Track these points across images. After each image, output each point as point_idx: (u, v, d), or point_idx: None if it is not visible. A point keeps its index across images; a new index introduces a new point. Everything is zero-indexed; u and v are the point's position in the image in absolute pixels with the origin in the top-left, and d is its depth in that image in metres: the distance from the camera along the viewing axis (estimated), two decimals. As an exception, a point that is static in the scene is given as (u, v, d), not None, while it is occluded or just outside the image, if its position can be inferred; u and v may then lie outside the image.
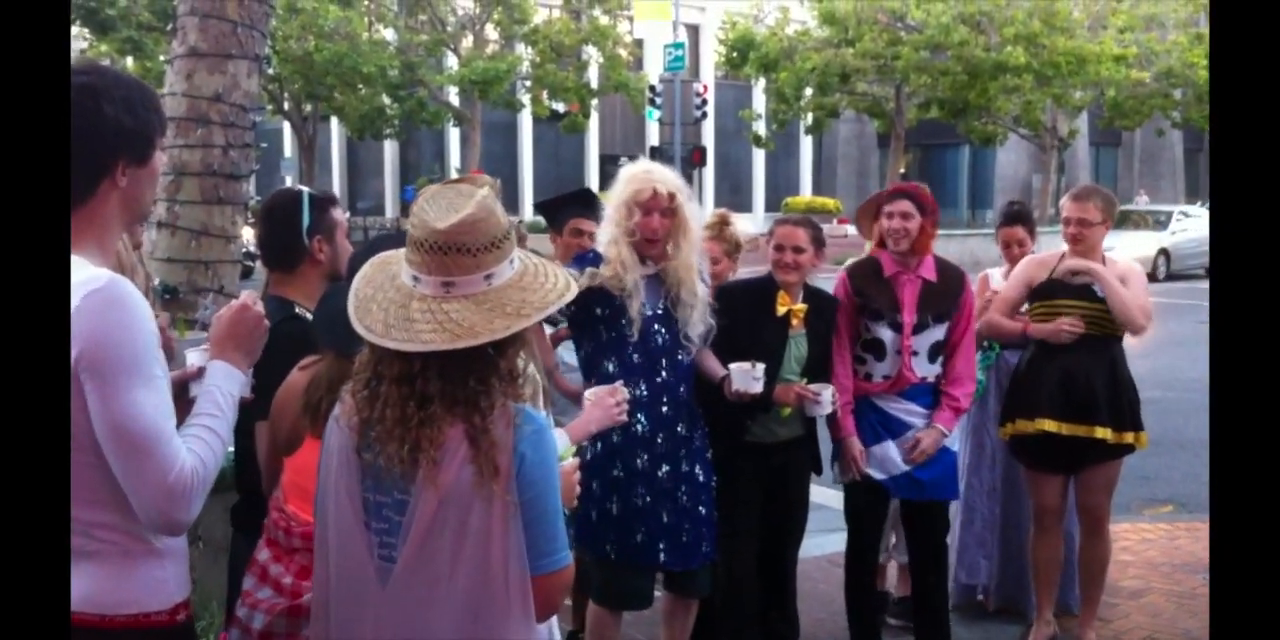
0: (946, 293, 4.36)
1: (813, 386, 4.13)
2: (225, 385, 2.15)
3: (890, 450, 4.34)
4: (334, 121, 34.57)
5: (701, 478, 3.96)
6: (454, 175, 3.52)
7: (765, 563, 4.30)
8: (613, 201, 3.87)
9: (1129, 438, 4.57)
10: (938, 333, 4.34)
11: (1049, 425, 4.53)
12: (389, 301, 2.09)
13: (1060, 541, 4.79)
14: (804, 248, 4.18)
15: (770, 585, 4.35)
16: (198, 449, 1.99)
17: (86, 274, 1.92)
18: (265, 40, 4.09)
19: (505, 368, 2.08)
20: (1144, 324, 4.55)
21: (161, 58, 23.53)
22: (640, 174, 3.88)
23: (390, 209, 37.28)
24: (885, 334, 4.32)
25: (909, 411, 4.34)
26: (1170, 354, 12.00)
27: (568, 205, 4.63)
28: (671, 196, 3.81)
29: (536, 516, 2.05)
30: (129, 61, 27.78)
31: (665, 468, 3.87)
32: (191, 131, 3.90)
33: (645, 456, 3.84)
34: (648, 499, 3.84)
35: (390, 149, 38.03)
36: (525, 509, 2.04)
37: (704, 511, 3.94)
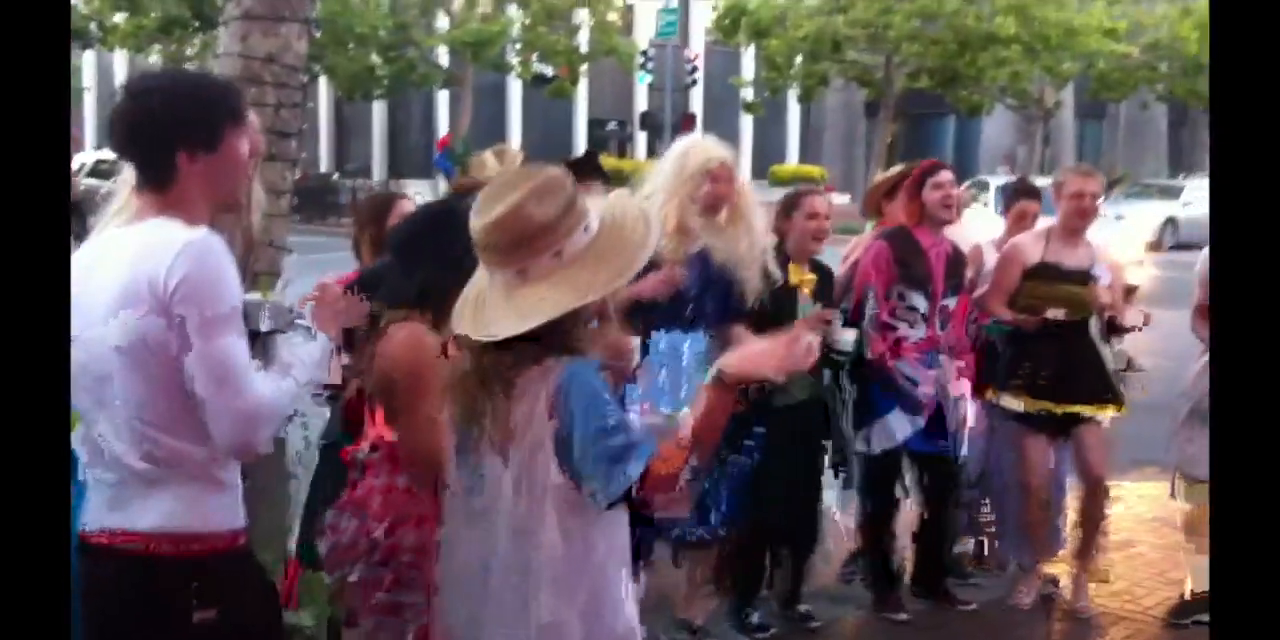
0: (962, 265, 4.66)
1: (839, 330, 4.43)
2: (306, 347, 2.43)
3: (900, 417, 4.63)
4: (322, 81, 34.43)
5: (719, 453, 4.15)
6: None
7: (793, 516, 4.55)
8: (670, 173, 4.02)
9: (1123, 409, 4.89)
10: (951, 302, 4.64)
11: (1054, 407, 4.81)
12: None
13: (1048, 499, 5.05)
14: (830, 214, 4.46)
15: (800, 538, 4.62)
16: (273, 387, 2.26)
17: (185, 231, 2.20)
18: (314, 3, 4.28)
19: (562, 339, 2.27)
20: None
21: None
22: (700, 146, 4.07)
23: (378, 171, 37.19)
24: (919, 302, 4.57)
25: (922, 375, 4.63)
26: (1170, 324, 12.29)
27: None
28: (734, 166, 4.04)
29: (587, 446, 2.20)
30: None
31: None
32: (245, 91, 4.07)
33: None
34: None
35: (379, 110, 37.89)
36: (574, 442, 2.21)
37: (715, 485, 4.15)
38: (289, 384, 2.31)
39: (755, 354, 2.22)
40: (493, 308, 2.25)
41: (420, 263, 2.63)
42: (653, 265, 3.91)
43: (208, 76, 2.44)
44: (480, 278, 2.35)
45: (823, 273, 4.56)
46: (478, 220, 2.25)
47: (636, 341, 3.29)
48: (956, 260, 4.70)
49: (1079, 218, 4.81)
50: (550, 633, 2.27)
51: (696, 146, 4.11)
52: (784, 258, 4.40)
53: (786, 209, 4.47)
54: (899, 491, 4.85)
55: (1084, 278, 4.78)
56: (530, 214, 2.21)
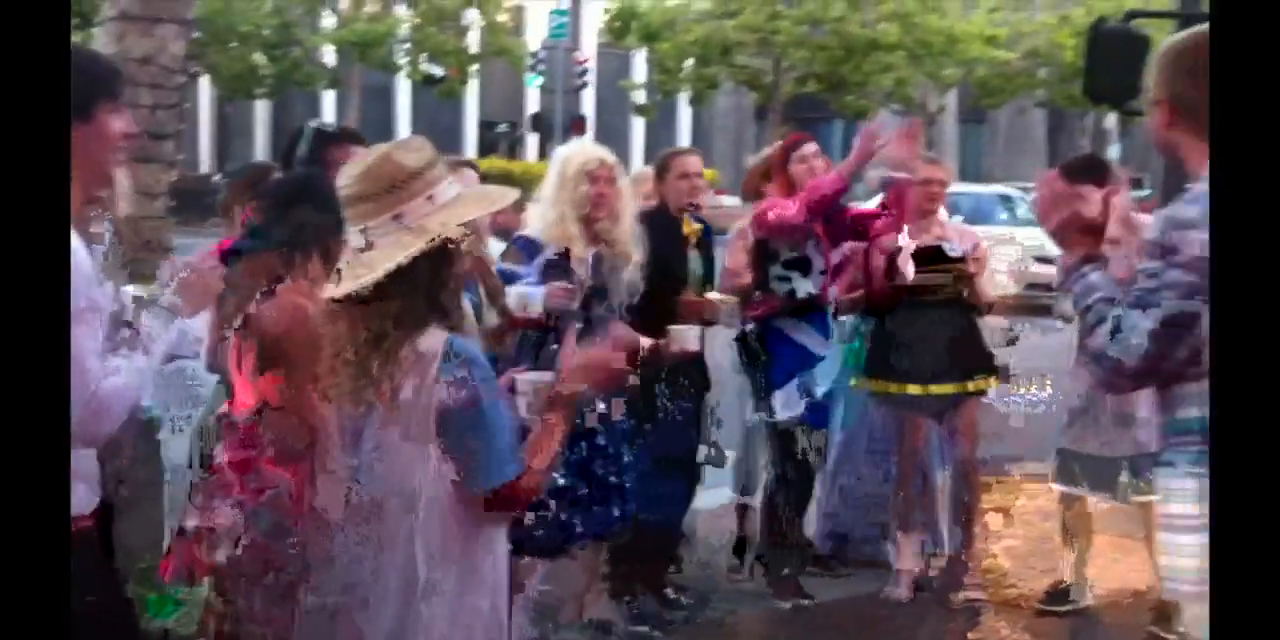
0: (842, 222, 4.83)
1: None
2: (152, 324, 2.48)
3: (797, 388, 4.75)
4: (203, 80, 33.76)
5: (611, 450, 4.14)
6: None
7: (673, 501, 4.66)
8: (553, 178, 4.10)
9: (993, 381, 5.07)
10: (836, 256, 4.86)
11: (936, 389, 4.96)
12: None
13: (917, 483, 5.18)
14: (703, 173, 4.66)
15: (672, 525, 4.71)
16: (122, 378, 2.30)
17: None
18: (192, 4, 4.25)
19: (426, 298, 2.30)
20: None
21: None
22: (580, 149, 4.19)
23: (263, 171, 36.57)
24: (812, 252, 4.78)
25: (816, 342, 4.81)
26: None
27: None
28: (615, 166, 4.13)
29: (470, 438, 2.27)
30: None
31: (581, 444, 4.00)
32: (119, 91, 4.05)
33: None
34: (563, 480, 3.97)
35: (262, 110, 37.24)
36: (459, 430, 2.26)
37: (615, 480, 4.14)
38: (131, 369, 2.33)
39: (580, 367, 2.36)
40: (370, 259, 2.27)
41: (301, 205, 2.65)
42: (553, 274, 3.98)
43: (89, 51, 2.41)
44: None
45: (705, 226, 4.77)
46: (346, 175, 2.29)
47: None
48: (835, 217, 4.87)
49: (928, 202, 5.10)
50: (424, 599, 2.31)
51: (575, 149, 4.25)
52: (673, 215, 4.58)
53: (660, 172, 4.66)
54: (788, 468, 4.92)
55: (938, 255, 4.98)
56: (399, 160, 2.28)
